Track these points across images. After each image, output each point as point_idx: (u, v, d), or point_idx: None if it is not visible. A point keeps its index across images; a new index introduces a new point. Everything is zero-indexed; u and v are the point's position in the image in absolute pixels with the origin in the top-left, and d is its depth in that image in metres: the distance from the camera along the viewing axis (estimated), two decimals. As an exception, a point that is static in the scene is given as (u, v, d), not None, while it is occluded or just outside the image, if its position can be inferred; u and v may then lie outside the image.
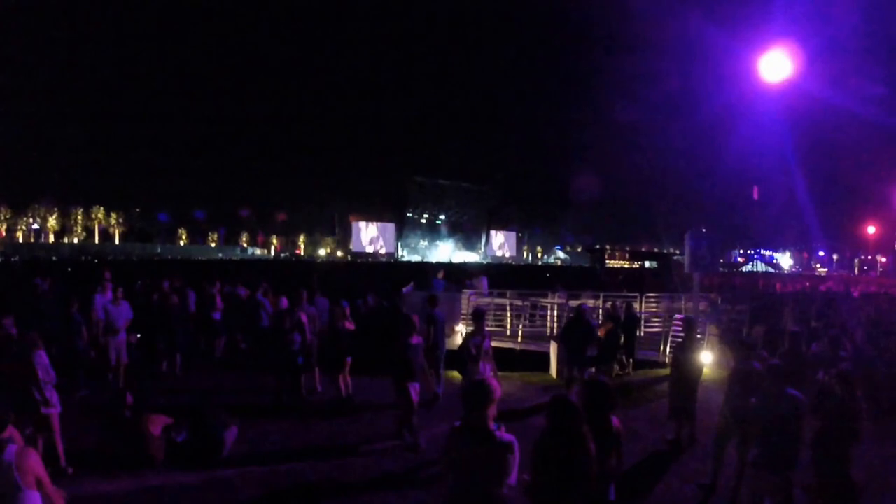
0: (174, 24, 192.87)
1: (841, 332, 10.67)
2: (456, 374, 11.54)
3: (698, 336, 11.22)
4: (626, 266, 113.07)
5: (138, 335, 12.17)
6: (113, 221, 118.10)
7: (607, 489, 4.65)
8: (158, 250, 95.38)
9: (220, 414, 8.12)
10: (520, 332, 14.92)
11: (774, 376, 5.40)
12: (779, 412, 5.19)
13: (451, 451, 3.91)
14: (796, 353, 8.72)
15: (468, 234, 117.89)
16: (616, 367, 12.94)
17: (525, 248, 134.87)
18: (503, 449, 3.79)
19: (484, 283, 19.19)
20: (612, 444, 4.61)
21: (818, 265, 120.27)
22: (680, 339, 9.69)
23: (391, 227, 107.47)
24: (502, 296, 17.09)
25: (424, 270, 26.85)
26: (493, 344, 14.53)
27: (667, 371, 10.08)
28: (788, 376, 5.48)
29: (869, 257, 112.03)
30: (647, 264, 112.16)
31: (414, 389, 8.12)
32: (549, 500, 3.90)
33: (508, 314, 15.91)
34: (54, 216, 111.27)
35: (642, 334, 15.11)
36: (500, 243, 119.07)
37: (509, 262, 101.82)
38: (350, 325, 10.69)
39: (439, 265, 32.22)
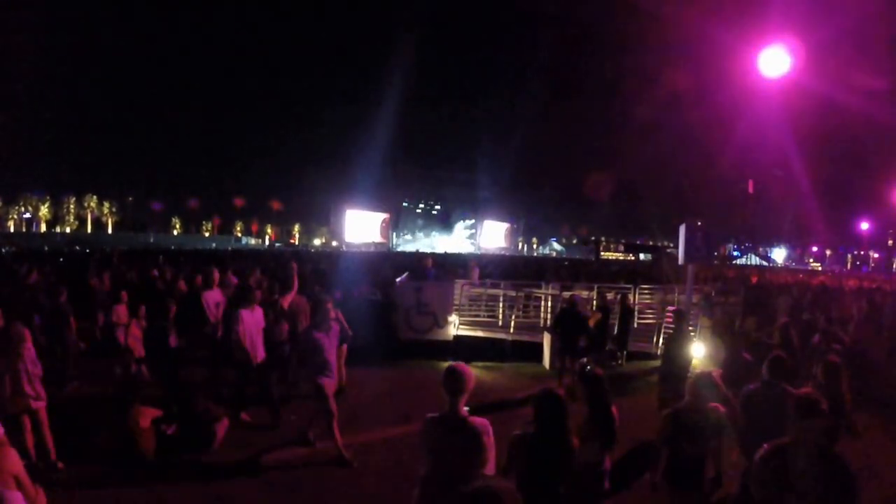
0: (167, 11, 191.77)
1: (834, 325, 10.66)
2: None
3: (690, 328, 11.22)
4: (620, 258, 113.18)
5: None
6: (106, 210, 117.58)
7: (602, 479, 4.66)
8: (152, 240, 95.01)
9: (211, 406, 8.07)
10: (512, 323, 14.87)
11: (771, 368, 5.35)
12: (769, 406, 5.15)
13: (426, 441, 3.88)
14: (788, 345, 8.71)
15: (463, 223, 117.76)
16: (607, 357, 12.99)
17: (520, 239, 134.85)
18: (477, 433, 3.75)
19: (475, 272, 19.14)
20: (611, 434, 4.63)
21: (812, 260, 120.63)
22: (671, 331, 9.69)
23: (386, 217, 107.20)
24: (495, 286, 17.04)
25: (419, 260, 26.82)
26: (486, 335, 14.64)
27: (659, 362, 10.08)
28: (788, 372, 5.43)
29: (862, 253, 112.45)
30: (641, 256, 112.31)
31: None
32: (531, 493, 3.88)
33: (501, 305, 15.86)
34: (46, 205, 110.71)
35: (636, 325, 15.10)
36: (495, 234, 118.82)
37: (504, 252, 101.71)
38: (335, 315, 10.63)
39: (429, 255, 32.16)
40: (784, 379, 5.38)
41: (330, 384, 7.39)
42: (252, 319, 8.65)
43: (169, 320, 9.39)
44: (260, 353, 8.73)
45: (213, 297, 10.27)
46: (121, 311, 11.49)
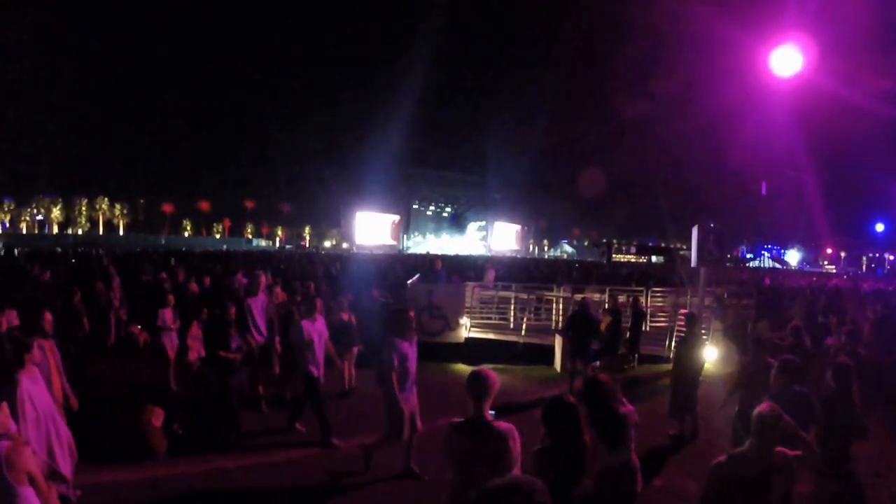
0: (178, 12, 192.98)
1: (855, 328, 10.55)
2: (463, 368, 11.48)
3: (702, 331, 11.14)
4: (632, 260, 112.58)
5: (139, 326, 12.12)
6: (117, 212, 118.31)
7: (634, 482, 4.62)
8: (163, 241, 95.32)
9: (223, 405, 8.09)
10: (524, 326, 14.84)
11: (785, 371, 5.31)
12: (785, 410, 5.11)
13: (451, 446, 3.87)
14: (800, 347, 8.64)
15: (474, 225, 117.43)
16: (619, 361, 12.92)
17: (531, 241, 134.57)
18: (502, 439, 3.74)
19: (491, 275, 19.07)
20: (625, 436, 4.57)
21: (826, 262, 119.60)
22: (683, 334, 9.62)
23: (396, 218, 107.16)
24: (507, 289, 17.01)
25: (429, 262, 26.84)
26: (498, 337, 14.61)
27: (671, 366, 10.04)
28: (797, 372, 5.40)
29: (877, 255, 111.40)
30: (653, 259, 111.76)
31: None
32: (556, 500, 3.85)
33: (513, 307, 15.83)
34: (58, 207, 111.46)
35: (648, 328, 15.02)
36: (506, 235, 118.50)
37: (515, 254, 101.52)
38: (346, 317, 10.69)
39: (439, 257, 32.13)
40: (798, 381, 5.34)
41: (410, 400, 6.94)
42: (313, 330, 8.23)
43: (230, 322, 9.29)
44: (322, 366, 8.27)
45: (259, 304, 10.13)
46: (167, 316, 10.91)
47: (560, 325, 14.16)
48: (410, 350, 6.88)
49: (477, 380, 3.89)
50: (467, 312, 14.75)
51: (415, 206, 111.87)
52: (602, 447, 4.50)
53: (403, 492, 6.70)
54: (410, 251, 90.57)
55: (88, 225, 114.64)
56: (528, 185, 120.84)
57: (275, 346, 9.94)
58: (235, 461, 7.37)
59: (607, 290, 16.45)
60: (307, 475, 7.11)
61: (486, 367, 4.05)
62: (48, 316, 6.57)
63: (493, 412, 3.94)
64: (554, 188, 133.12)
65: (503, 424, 3.81)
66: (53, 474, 5.20)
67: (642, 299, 15.22)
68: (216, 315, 9.60)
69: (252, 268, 18.57)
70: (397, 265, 28.39)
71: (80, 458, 6.89)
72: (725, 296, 17.30)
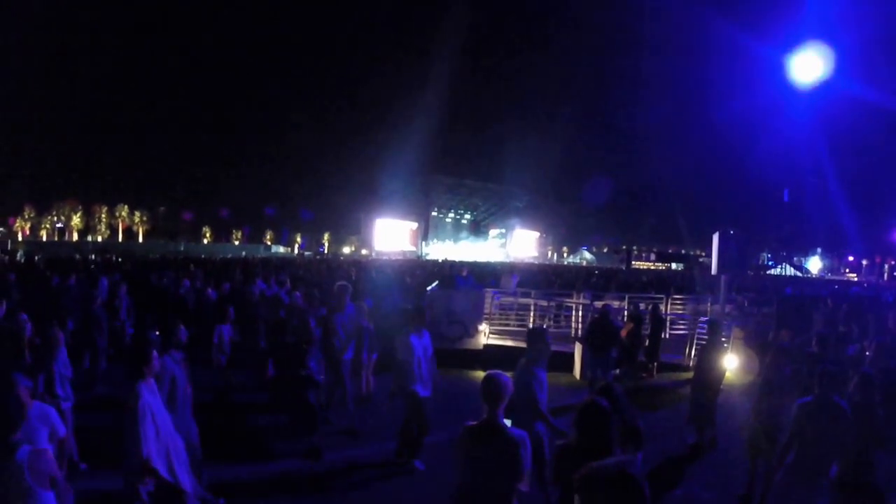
0: (198, 18, 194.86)
1: (884, 340, 10.38)
2: (481, 374, 11.44)
3: (723, 339, 11.05)
4: (652, 267, 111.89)
5: (157, 332, 12.19)
6: (137, 220, 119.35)
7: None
8: (182, 248, 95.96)
9: (236, 410, 8.13)
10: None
11: (824, 382, 5.23)
12: (822, 420, 5.04)
13: (462, 449, 3.86)
14: (826, 357, 8.52)
15: (494, 232, 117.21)
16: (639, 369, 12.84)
17: (550, 247, 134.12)
18: (514, 445, 3.73)
19: (513, 281, 18.99)
20: (636, 445, 4.53)
21: (847, 270, 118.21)
22: (704, 342, 9.53)
23: (415, 225, 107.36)
24: (526, 295, 16.96)
25: (450, 269, 26.83)
26: (516, 344, 14.52)
27: (691, 374, 9.94)
28: (836, 383, 5.31)
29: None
30: (673, 266, 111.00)
31: None
32: None
33: (532, 314, 15.76)
34: (78, 215, 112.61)
35: (668, 336, 14.90)
36: (525, 242, 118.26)
37: (534, 261, 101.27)
38: (368, 325, 10.67)
39: (462, 264, 32.09)
40: (835, 391, 5.25)
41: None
42: (420, 345, 7.67)
43: (310, 340, 9.09)
44: (429, 384, 7.72)
45: (346, 319, 9.65)
46: (225, 331, 10.32)
47: (580, 332, 14.08)
48: (544, 375, 5.98)
49: (490, 383, 3.88)
50: (486, 319, 14.71)
51: (433, 214, 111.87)
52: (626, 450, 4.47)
53: (418, 497, 6.69)
54: (428, 258, 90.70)
55: (108, 232, 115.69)
56: (548, 192, 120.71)
57: (361, 361, 9.75)
58: (249, 466, 7.44)
59: (626, 297, 16.35)
60: (322, 481, 7.15)
61: (500, 372, 4.02)
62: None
63: (508, 420, 3.92)
64: (574, 195, 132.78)
65: (516, 431, 3.81)
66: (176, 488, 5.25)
67: (662, 307, 15.12)
68: (296, 332, 9.49)
69: (270, 274, 18.63)
70: (416, 271, 28.39)
71: (91, 462, 6.98)
72: (746, 304, 17.14)
